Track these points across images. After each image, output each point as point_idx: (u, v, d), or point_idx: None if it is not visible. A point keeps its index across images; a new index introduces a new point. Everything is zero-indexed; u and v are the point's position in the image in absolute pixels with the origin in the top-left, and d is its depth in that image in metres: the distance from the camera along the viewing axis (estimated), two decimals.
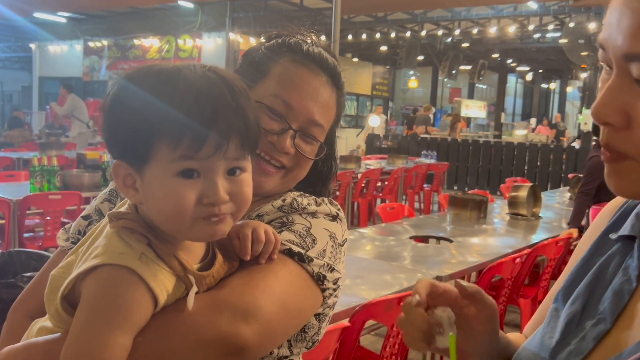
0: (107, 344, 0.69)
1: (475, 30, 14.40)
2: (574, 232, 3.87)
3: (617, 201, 0.80)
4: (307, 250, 0.89)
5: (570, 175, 8.19)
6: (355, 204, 7.23)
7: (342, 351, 2.04)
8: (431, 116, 14.70)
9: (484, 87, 24.39)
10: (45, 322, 0.82)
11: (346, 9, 9.24)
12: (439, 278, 2.70)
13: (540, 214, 4.57)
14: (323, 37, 1.34)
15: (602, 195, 3.95)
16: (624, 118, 0.60)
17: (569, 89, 24.04)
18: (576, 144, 11.65)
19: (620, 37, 0.59)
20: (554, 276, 3.63)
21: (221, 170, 0.74)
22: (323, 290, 0.90)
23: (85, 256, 0.75)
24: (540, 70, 23.32)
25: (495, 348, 0.80)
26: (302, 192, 1.02)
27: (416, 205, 8.01)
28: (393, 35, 14.95)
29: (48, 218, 4.22)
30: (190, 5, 13.19)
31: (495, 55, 18.28)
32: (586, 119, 9.81)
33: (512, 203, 4.54)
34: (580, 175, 4.69)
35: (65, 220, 4.28)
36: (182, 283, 0.76)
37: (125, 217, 0.76)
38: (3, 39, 18.13)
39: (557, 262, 3.61)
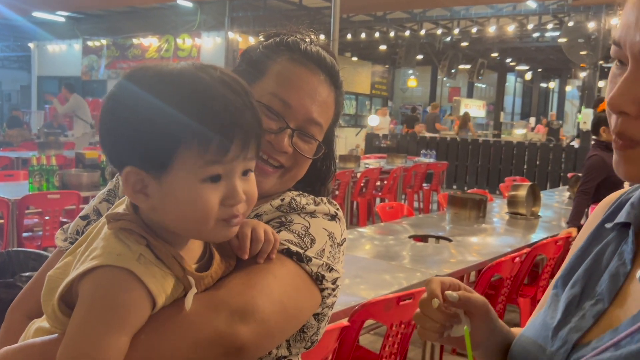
0: (103, 345, 0.69)
1: (474, 30, 14.37)
2: (573, 231, 3.86)
3: (613, 196, 0.87)
4: (305, 250, 0.88)
5: (569, 175, 8.20)
6: (355, 203, 7.23)
7: (341, 351, 2.04)
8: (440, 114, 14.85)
9: (483, 86, 24.39)
10: (42, 322, 0.82)
11: (345, 8, 9.23)
12: None
13: (539, 213, 4.56)
14: (322, 36, 1.33)
15: (601, 194, 3.94)
16: (639, 107, 0.66)
17: (568, 88, 24.02)
18: (575, 143, 11.63)
19: (639, 34, 0.65)
20: (553, 275, 3.60)
21: (239, 171, 0.75)
22: (322, 290, 0.89)
23: (83, 257, 0.75)
24: (540, 70, 23.31)
25: (498, 334, 0.87)
26: (300, 192, 1.01)
27: (415, 204, 8.00)
28: (392, 34, 14.94)
29: (47, 217, 4.22)
30: (189, 4, 13.18)
31: (494, 55, 18.26)
32: (585, 118, 9.76)
33: (512, 202, 4.54)
34: (580, 175, 4.69)
35: (64, 220, 4.27)
36: (180, 284, 0.75)
37: (124, 218, 0.75)
38: (2, 38, 18.09)
39: (556, 261, 3.59)
